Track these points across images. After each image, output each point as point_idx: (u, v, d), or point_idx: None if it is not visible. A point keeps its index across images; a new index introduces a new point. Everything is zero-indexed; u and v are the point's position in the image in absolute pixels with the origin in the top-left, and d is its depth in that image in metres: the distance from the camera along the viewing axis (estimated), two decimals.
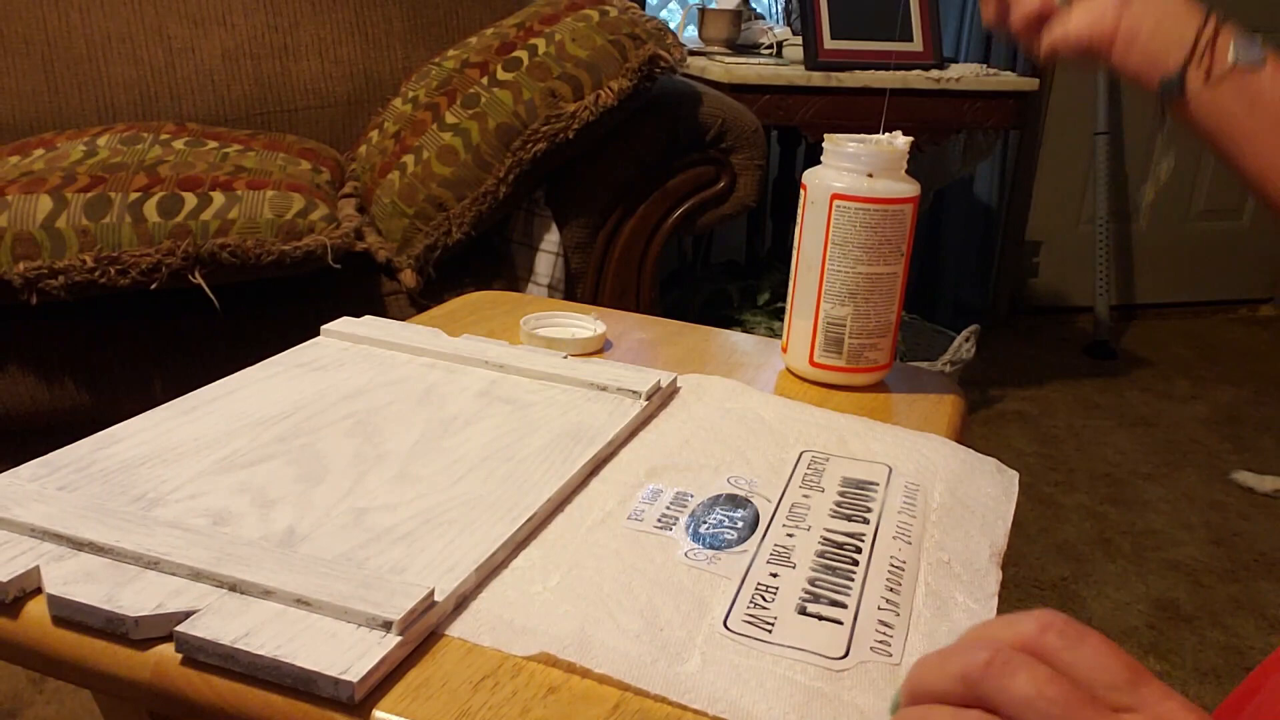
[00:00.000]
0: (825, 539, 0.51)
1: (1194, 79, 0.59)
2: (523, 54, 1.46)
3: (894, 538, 0.52)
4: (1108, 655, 0.30)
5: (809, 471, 0.58)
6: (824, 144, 0.71)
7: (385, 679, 0.39)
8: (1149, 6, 0.60)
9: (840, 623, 0.44)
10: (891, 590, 0.47)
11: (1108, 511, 2.02)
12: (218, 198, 1.30)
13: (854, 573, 0.48)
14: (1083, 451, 2.27)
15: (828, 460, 0.60)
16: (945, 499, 0.57)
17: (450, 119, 1.44)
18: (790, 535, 0.51)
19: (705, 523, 0.52)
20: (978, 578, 0.50)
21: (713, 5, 2.29)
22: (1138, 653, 1.58)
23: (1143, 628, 1.65)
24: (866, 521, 0.53)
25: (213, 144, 1.51)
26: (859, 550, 0.50)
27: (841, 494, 0.56)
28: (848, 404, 0.70)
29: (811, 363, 0.73)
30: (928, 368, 2.02)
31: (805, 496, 0.56)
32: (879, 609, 0.46)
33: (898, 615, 0.46)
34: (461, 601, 0.44)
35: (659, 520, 0.52)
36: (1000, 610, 1.58)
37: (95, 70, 1.72)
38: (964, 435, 0.70)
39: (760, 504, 0.55)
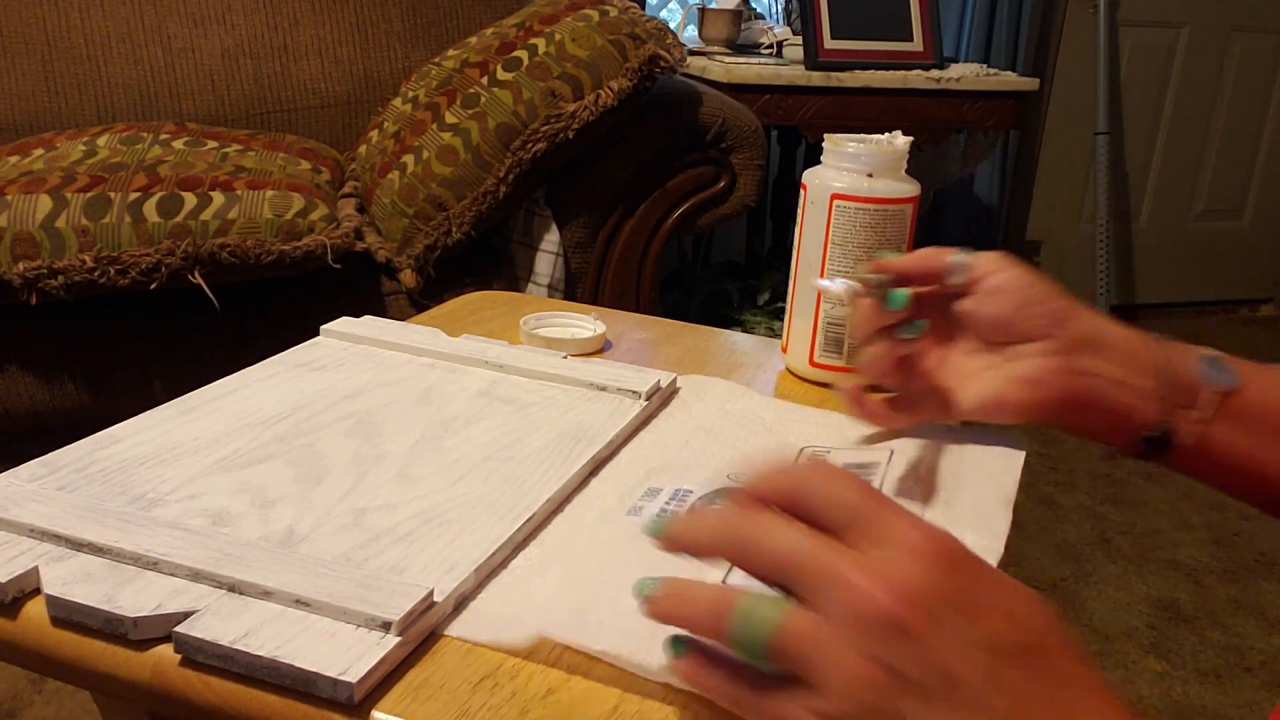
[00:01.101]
0: None
1: (1183, 427, 0.50)
2: (523, 54, 1.46)
3: (897, 496, 0.52)
4: (847, 488, 0.33)
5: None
6: (824, 144, 0.71)
7: (385, 680, 0.39)
8: (1105, 360, 0.51)
9: None
10: None
11: (1108, 511, 2.02)
12: (217, 198, 1.30)
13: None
14: (1083, 451, 2.27)
15: (829, 452, 0.60)
16: (951, 466, 0.57)
17: (450, 119, 1.44)
18: None
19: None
20: (985, 520, 0.50)
21: (713, 5, 2.29)
22: (1138, 653, 1.58)
23: (1143, 628, 1.65)
24: None
25: (212, 144, 1.51)
26: None
27: None
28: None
29: (811, 363, 0.73)
30: None
31: None
32: None
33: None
34: (461, 602, 0.44)
35: (659, 514, 0.52)
36: None
37: (95, 70, 1.72)
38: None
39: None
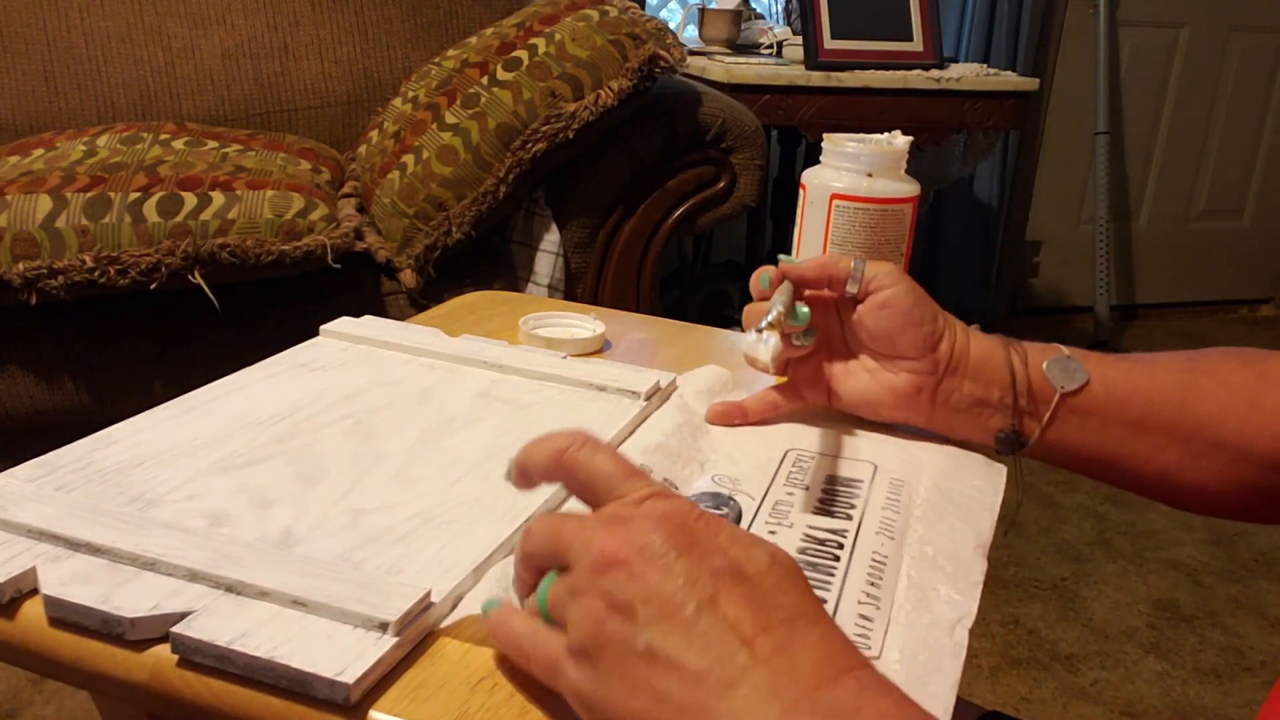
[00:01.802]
0: (807, 535, 0.51)
1: (1028, 429, 0.57)
2: (523, 54, 1.46)
3: (876, 533, 0.52)
4: (609, 461, 0.39)
5: (794, 470, 0.58)
6: (823, 144, 0.71)
7: (381, 680, 0.39)
8: (963, 379, 0.58)
9: None
10: (872, 584, 0.47)
11: (1108, 511, 2.02)
12: (217, 197, 1.30)
13: (835, 568, 0.48)
14: None
15: (813, 459, 0.60)
16: (930, 494, 0.57)
17: (450, 119, 1.44)
18: (772, 533, 0.51)
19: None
20: (961, 569, 0.50)
21: (713, 5, 2.29)
22: (1138, 653, 1.58)
23: (1143, 628, 1.65)
24: (850, 518, 0.53)
25: (212, 144, 1.51)
26: (840, 546, 0.50)
27: (826, 491, 0.56)
28: None
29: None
30: None
31: (789, 494, 0.55)
32: (859, 603, 0.46)
33: (878, 609, 0.45)
34: (459, 602, 0.44)
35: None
36: (997, 607, 1.57)
37: (95, 70, 1.72)
38: None
39: (743, 501, 0.54)
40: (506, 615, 0.39)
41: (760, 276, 0.59)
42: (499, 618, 0.39)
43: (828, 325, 0.61)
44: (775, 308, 0.55)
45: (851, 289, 0.58)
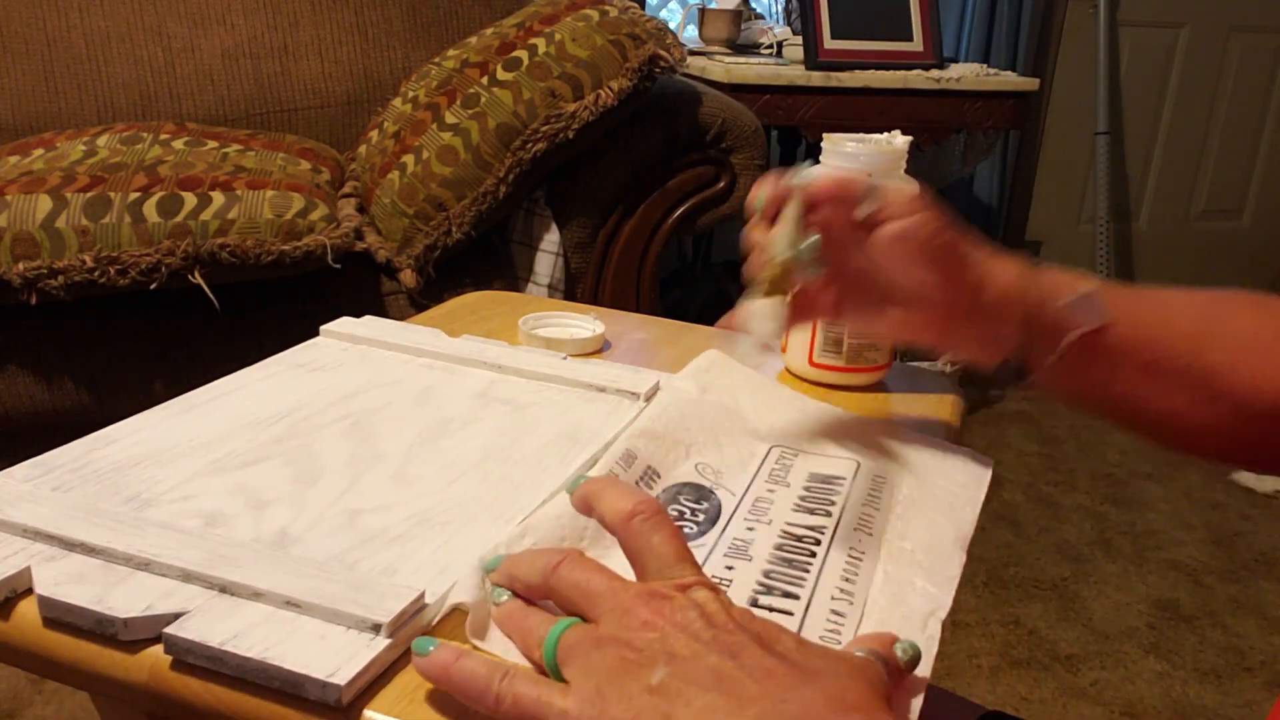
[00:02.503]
0: (785, 532, 0.51)
1: (1035, 363, 0.54)
2: (523, 54, 1.46)
3: (855, 530, 0.51)
4: (666, 543, 0.40)
5: (776, 466, 0.58)
6: (823, 144, 0.71)
7: (377, 681, 0.39)
8: (978, 320, 0.54)
9: (791, 614, 0.44)
10: (847, 580, 0.47)
11: (1108, 511, 2.02)
12: (217, 198, 1.30)
13: (810, 564, 0.48)
14: (1083, 451, 2.27)
15: (796, 456, 0.60)
16: (912, 490, 0.56)
17: (450, 119, 1.44)
18: (750, 529, 0.51)
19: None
20: (939, 562, 0.49)
21: (713, 5, 2.29)
22: (1138, 653, 1.58)
23: (1143, 628, 1.64)
24: (829, 515, 0.53)
25: (212, 144, 1.51)
26: (818, 543, 0.50)
27: (807, 489, 0.56)
28: (847, 404, 0.70)
29: (811, 363, 0.73)
30: (927, 368, 2.02)
31: (770, 491, 0.55)
32: (832, 599, 0.45)
33: (851, 604, 0.45)
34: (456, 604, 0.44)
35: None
36: (997, 607, 1.57)
37: (95, 70, 1.72)
38: (963, 435, 0.69)
39: (724, 496, 0.54)
40: (454, 656, 0.38)
41: (757, 196, 0.54)
42: (446, 658, 0.38)
43: (839, 255, 0.55)
44: (780, 252, 0.50)
45: (867, 209, 0.52)
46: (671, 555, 0.39)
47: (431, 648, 0.38)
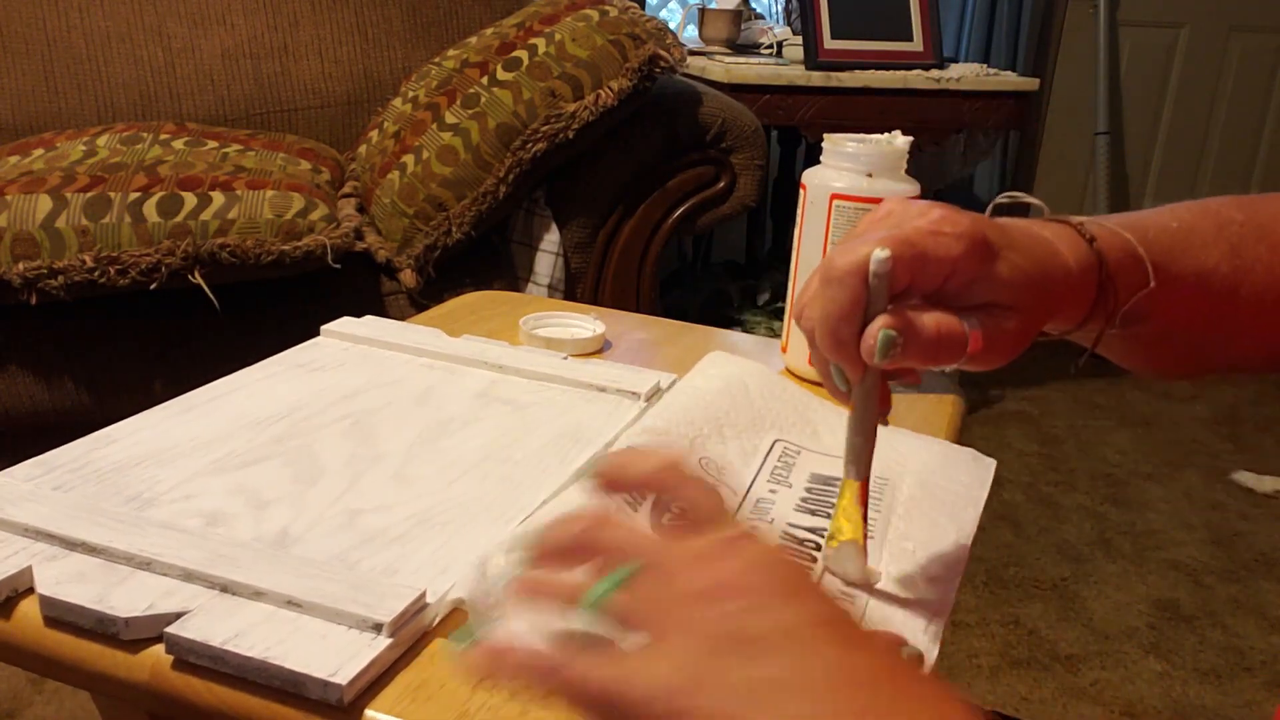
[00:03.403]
0: (786, 534, 0.51)
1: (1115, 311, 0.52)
2: (523, 54, 1.46)
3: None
4: (699, 494, 0.38)
5: (779, 465, 0.58)
6: (823, 144, 0.71)
7: (379, 680, 0.39)
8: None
9: None
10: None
11: (1108, 511, 2.02)
12: (217, 198, 1.30)
13: (811, 568, 0.48)
14: (1083, 451, 2.27)
15: (799, 454, 0.60)
16: (915, 491, 0.56)
17: (450, 119, 1.44)
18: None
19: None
20: (939, 563, 0.50)
21: (713, 5, 2.29)
22: (1138, 653, 1.58)
23: (1143, 628, 1.64)
24: (830, 516, 0.53)
25: (212, 144, 1.51)
26: (819, 546, 0.50)
27: (809, 489, 0.56)
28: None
29: (811, 363, 0.73)
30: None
31: (772, 491, 0.55)
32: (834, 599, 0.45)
33: (852, 603, 0.45)
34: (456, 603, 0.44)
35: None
36: (997, 607, 1.57)
37: (95, 70, 1.72)
38: (963, 435, 0.69)
39: (725, 494, 0.54)
40: (510, 636, 0.35)
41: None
42: (504, 639, 0.35)
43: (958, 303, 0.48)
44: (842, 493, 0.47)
45: (882, 356, 0.45)
46: (715, 506, 0.38)
47: (474, 636, 0.36)
